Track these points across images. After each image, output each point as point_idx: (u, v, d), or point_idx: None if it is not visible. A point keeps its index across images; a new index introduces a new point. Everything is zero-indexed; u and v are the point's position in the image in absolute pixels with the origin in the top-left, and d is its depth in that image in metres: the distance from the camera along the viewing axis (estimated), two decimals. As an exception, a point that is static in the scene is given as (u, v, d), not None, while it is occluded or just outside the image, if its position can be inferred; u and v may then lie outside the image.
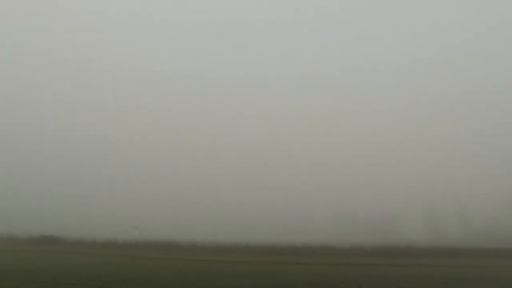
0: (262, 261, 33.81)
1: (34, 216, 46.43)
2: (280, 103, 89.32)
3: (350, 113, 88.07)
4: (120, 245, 42.31)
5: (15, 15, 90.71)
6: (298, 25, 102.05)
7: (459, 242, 50.65)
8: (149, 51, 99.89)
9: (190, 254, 39.23)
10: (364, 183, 69.37)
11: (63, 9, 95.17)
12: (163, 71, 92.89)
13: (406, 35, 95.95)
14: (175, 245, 43.60)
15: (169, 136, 79.41)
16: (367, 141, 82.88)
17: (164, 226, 47.79)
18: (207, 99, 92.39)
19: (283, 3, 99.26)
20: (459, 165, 73.23)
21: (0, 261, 27.87)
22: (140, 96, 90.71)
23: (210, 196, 63.37)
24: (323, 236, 47.48)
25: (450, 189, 66.10)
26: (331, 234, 50.62)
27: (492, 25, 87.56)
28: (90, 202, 55.91)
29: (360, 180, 70.81)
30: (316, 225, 54.55)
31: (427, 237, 58.22)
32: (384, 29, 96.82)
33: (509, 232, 54.59)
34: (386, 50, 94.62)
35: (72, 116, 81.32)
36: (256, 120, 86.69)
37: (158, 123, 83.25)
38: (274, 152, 79.45)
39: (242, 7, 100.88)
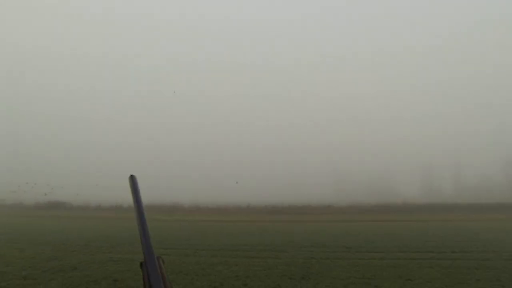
0: (265, 220, 34.97)
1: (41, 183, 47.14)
2: (283, 68, 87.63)
3: (348, 77, 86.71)
4: (125, 208, 43.43)
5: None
6: None
7: (453, 198, 52.04)
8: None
9: (193, 215, 40.39)
10: (360, 144, 69.97)
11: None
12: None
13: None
14: (179, 207, 44.77)
15: (176, 103, 78.78)
16: (363, 103, 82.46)
17: (168, 189, 48.75)
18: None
19: None
20: (453, 124, 73.64)
21: (10, 226, 28.65)
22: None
23: (213, 162, 63.98)
24: (323, 196, 48.73)
25: (444, 147, 66.94)
26: (330, 194, 51.88)
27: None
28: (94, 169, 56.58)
29: (356, 141, 71.36)
30: (315, 186, 55.72)
31: (423, 194, 59.75)
32: None
33: (501, 187, 56.11)
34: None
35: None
36: (255, 84, 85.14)
37: (162, 90, 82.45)
38: (275, 118, 79.11)
39: None
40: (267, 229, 26.80)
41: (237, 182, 43.94)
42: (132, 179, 0.68)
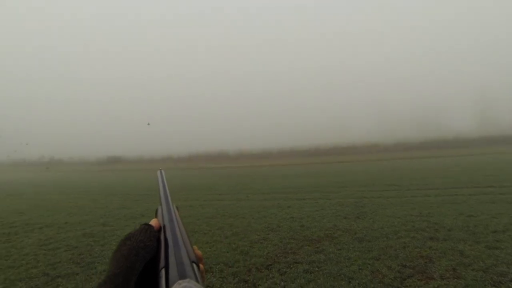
0: (309, 162, 35.28)
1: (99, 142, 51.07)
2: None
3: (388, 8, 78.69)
4: (175, 159, 46.16)
5: None
6: None
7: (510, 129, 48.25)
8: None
9: (239, 162, 41.87)
10: (407, 76, 65.52)
11: None
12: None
13: None
14: (223, 155, 46.50)
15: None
16: (409, 34, 75.38)
17: (212, 139, 50.38)
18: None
19: None
20: (506, 49, 65.60)
21: (81, 180, 31.98)
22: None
23: (252, 109, 64.26)
24: (367, 135, 47.56)
25: (498, 75, 60.70)
26: (374, 133, 50.47)
27: None
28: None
29: (403, 74, 66.80)
30: (359, 126, 54.30)
31: (476, 127, 56.10)
32: None
33: None
34: None
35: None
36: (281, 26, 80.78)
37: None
38: (311, 56, 75.79)
39: None
40: (313, 171, 27.18)
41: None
42: (161, 172, 0.73)
